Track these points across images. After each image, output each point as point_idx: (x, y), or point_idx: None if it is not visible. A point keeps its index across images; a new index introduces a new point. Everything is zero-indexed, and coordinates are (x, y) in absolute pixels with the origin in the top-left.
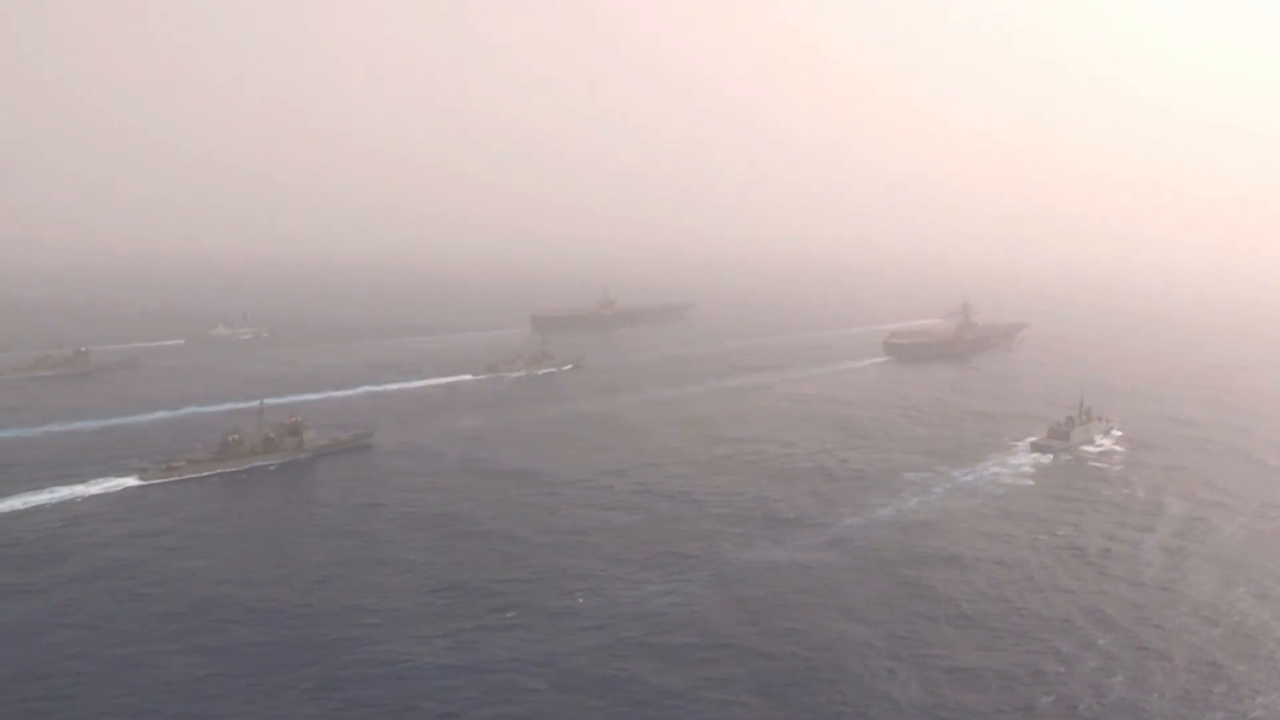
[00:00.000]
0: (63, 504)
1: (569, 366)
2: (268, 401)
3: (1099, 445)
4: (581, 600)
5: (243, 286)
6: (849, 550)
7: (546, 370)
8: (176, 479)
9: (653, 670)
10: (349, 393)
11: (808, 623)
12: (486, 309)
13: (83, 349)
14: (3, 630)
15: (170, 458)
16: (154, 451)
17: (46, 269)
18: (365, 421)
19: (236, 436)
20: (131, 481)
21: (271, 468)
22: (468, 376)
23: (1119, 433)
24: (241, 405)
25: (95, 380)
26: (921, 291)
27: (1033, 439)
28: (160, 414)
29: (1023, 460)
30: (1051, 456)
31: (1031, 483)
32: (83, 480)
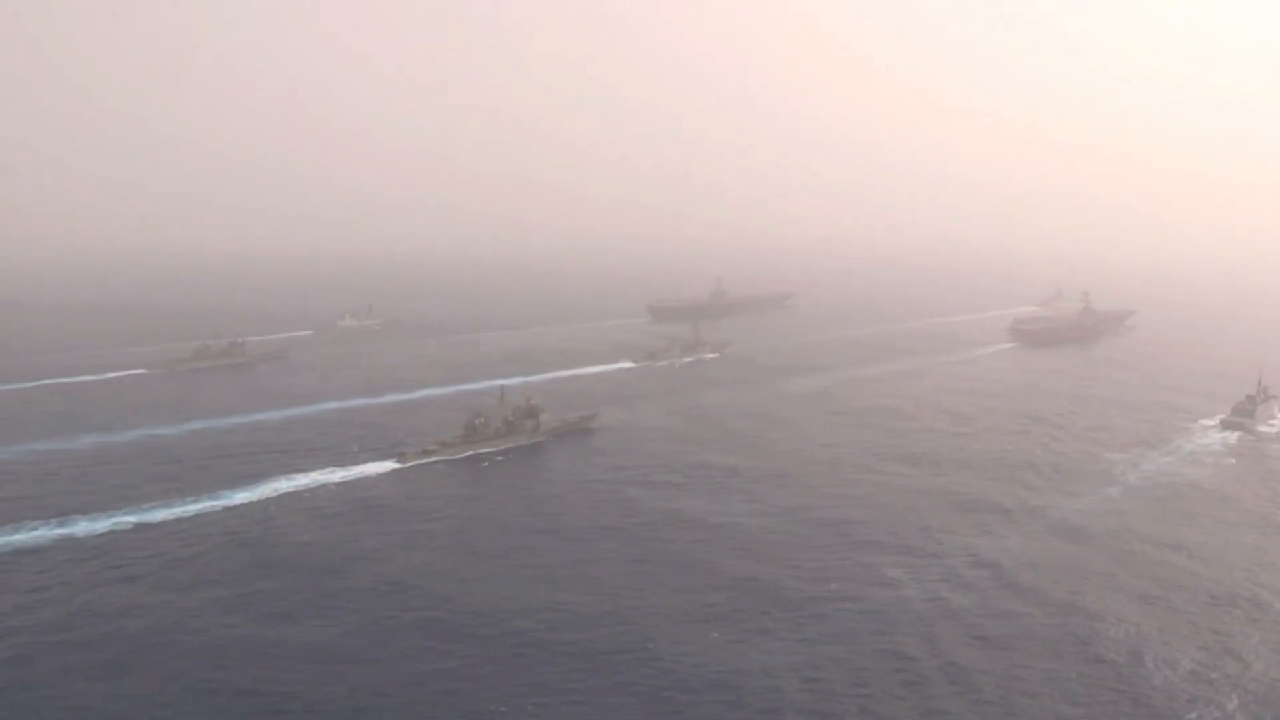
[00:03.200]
0: (318, 490)
1: (715, 355)
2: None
3: (1273, 424)
4: (894, 574)
5: (325, 282)
6: (1097, 534)
7: (695, 358)
8: (433, 460)
9: (1005, 660)
10: (505, 382)
11: (1101, 605)
12: (600, 302)
13: (238, 340)
14: (357, 638)
15: (423, 442)
16: (364, 439)
17: (148, 268)
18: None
19: (482, 420)
20: (391, 465)
21: (510, 454)
22: (628, 364)
23: None
24: (405, 397)
25: (254, 371)
26: (999, 286)
27: (1219, 417)
28: (332, 404)
29: (1213, 439)
30: (1239, 435)
31: (1234, 460)
32: (340, 465)
